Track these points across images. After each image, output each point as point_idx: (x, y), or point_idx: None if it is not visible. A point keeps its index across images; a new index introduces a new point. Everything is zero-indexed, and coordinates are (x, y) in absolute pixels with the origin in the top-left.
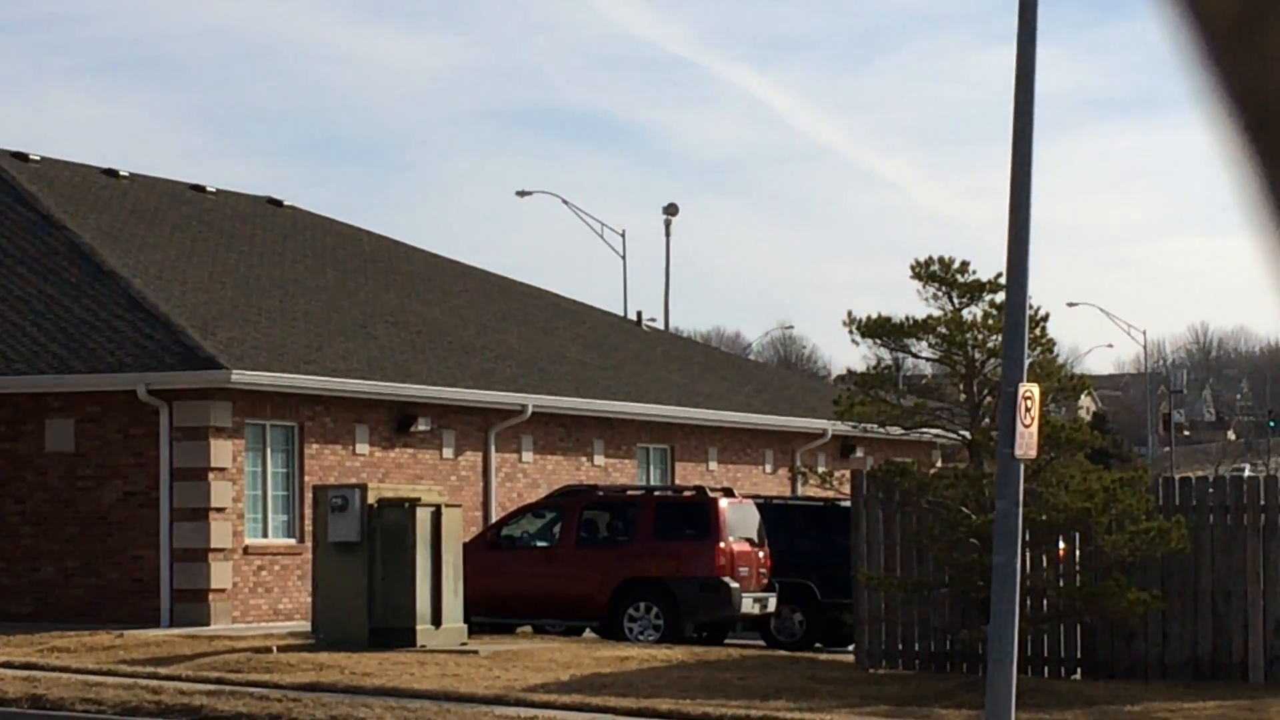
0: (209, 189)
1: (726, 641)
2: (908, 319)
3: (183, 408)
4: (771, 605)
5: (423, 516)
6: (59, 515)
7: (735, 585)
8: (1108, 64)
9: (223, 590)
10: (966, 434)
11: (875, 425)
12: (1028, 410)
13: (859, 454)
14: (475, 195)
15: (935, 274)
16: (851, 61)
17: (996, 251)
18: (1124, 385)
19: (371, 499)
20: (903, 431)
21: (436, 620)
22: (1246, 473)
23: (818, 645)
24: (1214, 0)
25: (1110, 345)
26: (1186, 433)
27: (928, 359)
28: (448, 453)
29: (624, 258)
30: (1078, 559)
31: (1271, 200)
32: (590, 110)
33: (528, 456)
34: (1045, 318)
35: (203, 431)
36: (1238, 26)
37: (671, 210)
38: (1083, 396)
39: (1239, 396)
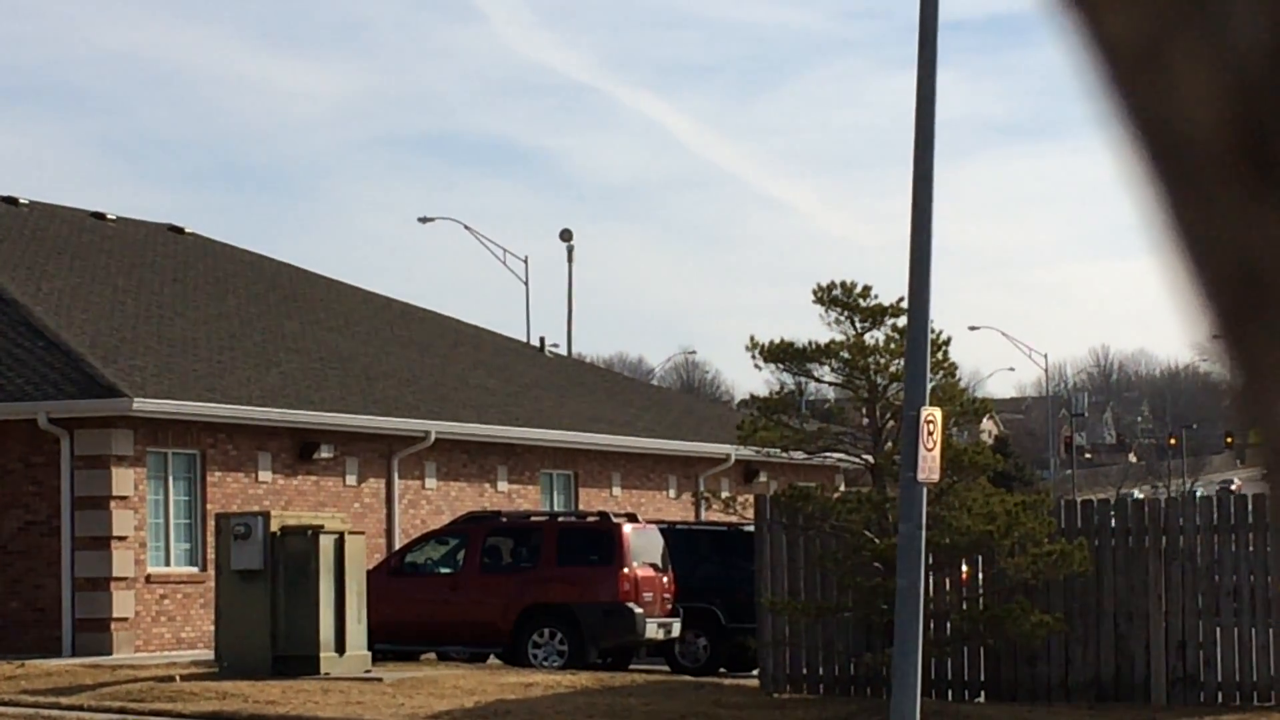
0: (110, 216)
1: (631, 667)
2: (810, 344)
3: (84, 436)
4: (676, 630)
5: (326, 544)
6: None
7: (639, 610)
8: (1008, 89)
9: (125, 619)
10: (869, 458)
11: (778, 450)
12: (930, 434)
13: (762, 479)
14: (377, 222)
15: (837, 298)
16: (752, 87)
17: (898, 275)
18: (1026, 408)
19: (274, 526)
20: (806, 456)
21: (340, 648)
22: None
23: (722, 670)
24: (1117, 26)
25: (1012, 368)
26: (1088, 455)
27: (830, 383)
28: (351, 480)
29: (526, 284)
30: (980, 582)
31: (1175, 227)
32: (491, 136)
33: (431, 483)
34: (947, 342)
35: (104, 460)
36: (1141, 53)
37: (566, 236)
38: (985, 420)
39: (1139, 419)
